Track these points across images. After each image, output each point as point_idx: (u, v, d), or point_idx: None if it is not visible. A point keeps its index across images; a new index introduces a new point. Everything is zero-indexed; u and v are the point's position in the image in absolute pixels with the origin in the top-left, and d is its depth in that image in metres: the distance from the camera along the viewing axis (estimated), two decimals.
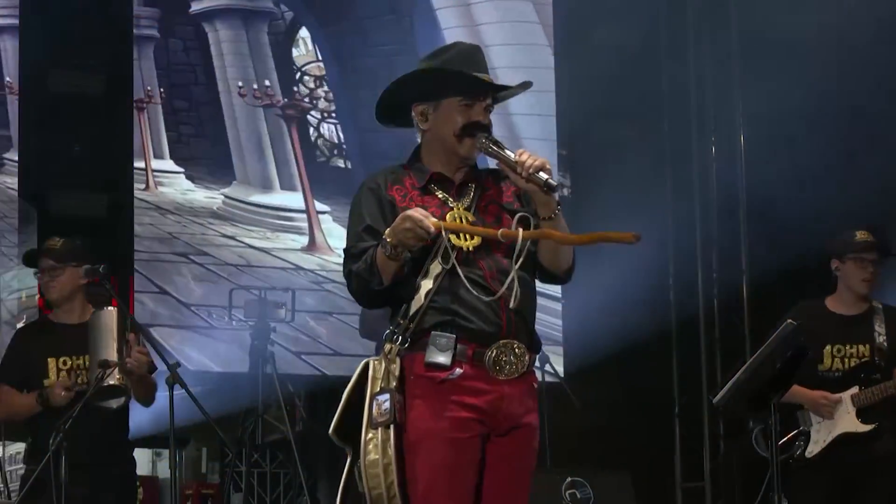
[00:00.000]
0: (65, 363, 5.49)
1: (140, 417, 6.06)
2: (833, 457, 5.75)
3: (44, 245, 5.67)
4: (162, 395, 5.49)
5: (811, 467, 5.81)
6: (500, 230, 3.60)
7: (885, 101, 8.26)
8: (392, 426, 3.47)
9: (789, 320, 5.54)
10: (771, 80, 8.60)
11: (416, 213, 3.52)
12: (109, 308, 5.30)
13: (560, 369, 8.38)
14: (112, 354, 5.18)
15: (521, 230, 3.59)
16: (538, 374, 7.81)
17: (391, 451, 3.46)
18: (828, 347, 5.77)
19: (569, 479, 6.92)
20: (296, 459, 7.85)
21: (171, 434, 5.68)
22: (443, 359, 3.53)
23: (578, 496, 6.89)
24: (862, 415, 5.80)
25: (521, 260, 3.58)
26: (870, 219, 6.57)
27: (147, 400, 5.64)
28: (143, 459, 8.42)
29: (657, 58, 9.46)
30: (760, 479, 5.55)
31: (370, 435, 3.47)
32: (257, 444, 8.18)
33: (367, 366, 3.55)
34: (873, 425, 5.78)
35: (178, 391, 5.55)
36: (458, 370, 3.54)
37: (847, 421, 5.78)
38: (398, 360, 3.53)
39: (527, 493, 3.65)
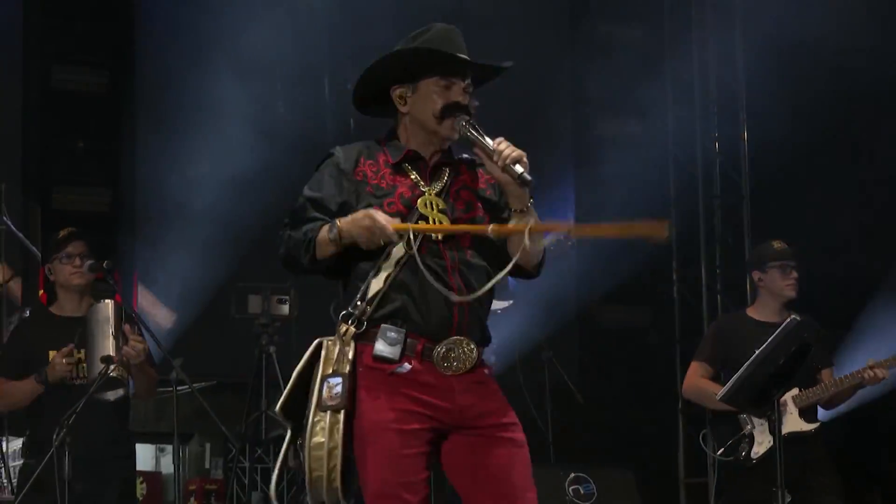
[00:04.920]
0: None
1: (142, 413, 6.07)
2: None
3: (72, 232, 5.66)
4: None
5: (757, 468, 5.81)
6: (490, 226, 3.54)
7: None
8: (342, 412, 3.44)
9: (793, 316, 5.56)
10: None
11: (381, 217, 3.47)
12: (106, 301, 5.30)
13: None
14: (109, 347, 5.19)
15: (529, 223, 3.51)
16: (543, 372, 7.92)
17: (338, 435, 3.42)
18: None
19: (572, 474, 6.92)
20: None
21: (174, 429, 5.69)
22: (391, 353, 3.49)
23: (582, 492, 6.88)
24: (804, 414, 5.90)
25: (517, 257, 3.52)
26: None
27: (148, 392, 5.63)
28: (146, 455, 8.41)
29: None
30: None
31: (318, 417, 3.43)
32: (261, 440, 8.16)
33: (319, 345, 3.51)
34: (817, 424, 5.93)
35: (182, 387, 5.55)
36: (407, 365, 3.50)
37: (791, 421, 5.84)
38: (353, 344, 3.49)
39: (531, 486, 3.57)
